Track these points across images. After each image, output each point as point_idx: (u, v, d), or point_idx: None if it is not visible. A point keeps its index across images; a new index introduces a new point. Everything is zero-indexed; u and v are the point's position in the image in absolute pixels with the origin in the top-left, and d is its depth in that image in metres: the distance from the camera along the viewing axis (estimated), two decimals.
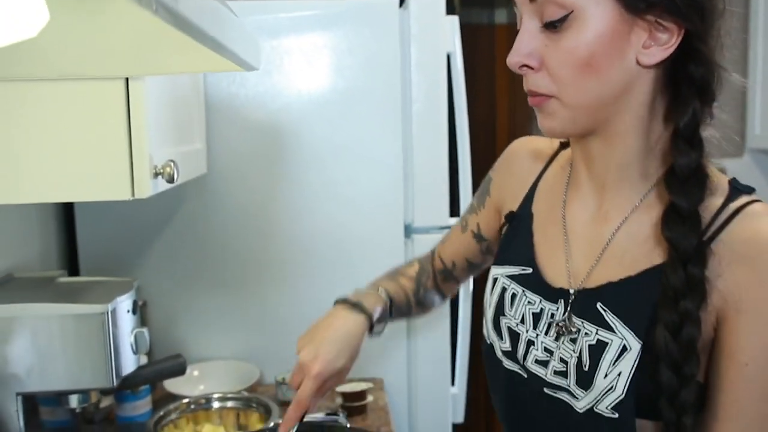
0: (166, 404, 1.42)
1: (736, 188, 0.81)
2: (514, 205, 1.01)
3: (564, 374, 0.84)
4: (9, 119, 0.98)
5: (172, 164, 1.06)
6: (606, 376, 0.80)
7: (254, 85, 1.72)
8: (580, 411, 0.82)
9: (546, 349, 0.87)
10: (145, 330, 1.21)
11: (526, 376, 0.90)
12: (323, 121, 1.75)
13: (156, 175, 1.04)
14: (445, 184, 1.81)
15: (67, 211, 1.77)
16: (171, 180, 1.06)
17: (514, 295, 0.93)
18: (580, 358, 0.83)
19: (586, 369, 0.82)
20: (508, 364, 0.93)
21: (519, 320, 0.91)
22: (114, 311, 1.14)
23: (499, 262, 0.99)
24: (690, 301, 0.75)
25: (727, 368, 0.77)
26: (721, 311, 0.77)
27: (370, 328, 1.07)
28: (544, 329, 0.88)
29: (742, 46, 2.72)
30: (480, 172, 1.12)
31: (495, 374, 0.96)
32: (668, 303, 0.76)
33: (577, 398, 0.83)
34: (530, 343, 0.89)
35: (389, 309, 1.11)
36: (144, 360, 1.30)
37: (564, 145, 0.99)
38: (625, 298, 0.82)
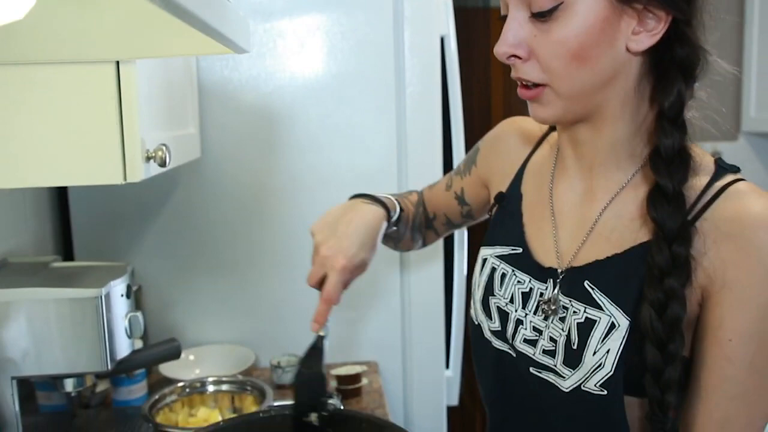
0: (161, 388, 1.43)
1: (722, 167, 0.82)
2: (503, 186, 1.02)
3: (552, 353, 0.85)
4: None
5: (164, 148, 1.06)
6: (594, 353, 0.80)
7: (247, 69, 1.72)
8: (566, 390, 0.83)
9: (535, 329, 0.88)
10: (139, 314, 1.21)
11: (514, 355, 0.91)
12: (317, 105, 1.74)
13: (148, 158, 1.04)
14: (439, 167, 1.81)
15: (61, 197, 1.76)
16: (163, 164, 1.06)
17: (503, 275, 0.94)
18: (568, 336, 0.83)
19: (575, 347, 0.82)
20: (497, 343, 0.94)
21: (508, 300, 0.92)
22: (108, 295, 1.14)
23: (489, 242, 0.99)
24: (675, 280, 0.76)
25: (712, 344, 0.78)
26: (706, 289, 0.78)
27: (387, 224, 1.08)
28: (533, 308, 0.89)
29: (738, 30, 2.71)
30: None
31: (483, 355, 0.97)
32: (653, 281, 0.77)
33: (563, 377, 0.83)
34: (519, 322, 0.90)
35: (398, 216, 1.13)
36: (139, 344, 1.31)
37: (553, 127, 1.00)
38: (612, 275, 0.82)
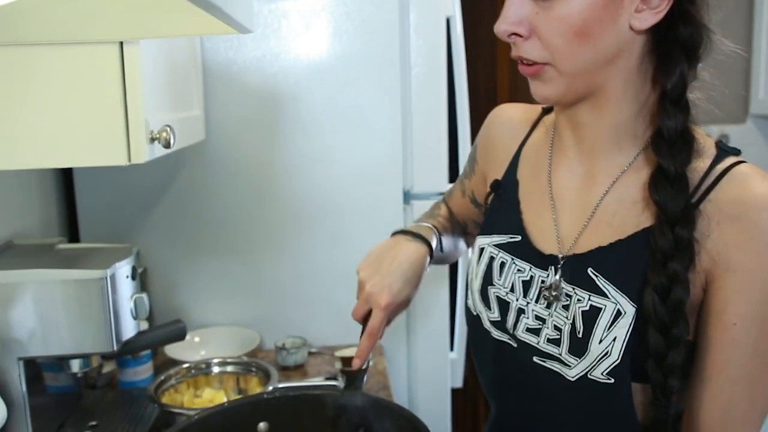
0: (166, 369, 1.44)
1: (723, 150, 0.81)
2: (498, 173, 1.00)
3: (557, 342, 0.84)
4: (3, 85, 0.97)
5: (168, 129, 1.05)
6: (601, 341, 0.80)
7: (252, 50, 1.71)
8: (572, 379, 0.82)
9: (538, 317, 0.87)
10: (144, 295, 1.22)
11: (515, 345, 0.90)
12: (321, 86, 1.74)
13: (152, 140, 1.04)
14: (444, 150, 1.80)
15: (66, 178, 1.77)
16: (167, 145, 1.06)
17: (502, 264, 0.93)
18: (573, 324, 0.83)
19: (580, 335, 0.82)
20: (496, 334, 0.93)
21: (508, 289, 0.91)
22: (113, 277, 1.14)
23: (486, 231, 0.98)
24: (678, 263, 0.75)
25: (716, 328, 0.77)
26: (710, 272, 0.77)
27: (430, 257, 1.07)
28: (535, 297, 0.88)
29: (748, 11, 2.68)
30: None
31: (482, 346, 0.96)
32: (656, 265, 0.76)
33: (569, 366, 0.83)
34: (521, 311, 0.89)
35: (440, 242, 1.11)
36: (144, 326, 1.31)
37: (546, 110, 0.98)
38: (615, 262, 0.82)
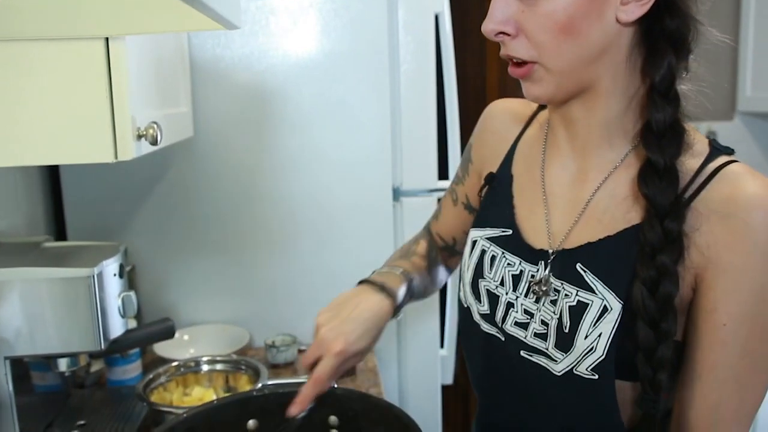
0: (155, 368, 1.43)
1: (716, 148, 0.81)
2: (493, 167, 1.00)
3: (544, 336, 0.85)
4: None
5: (155, 126, 1.05)
6: (586, 337, 0.80)
7: (240, 47, 1.70)
8: (558, 374, 0.83)
9: (526, 311, 0.87)
10: (132, 293, 1.21)
11: (503, 339, 0.90)
12: (310, 83, 1.73)
13: (139, 137, 1.03)
14: (433, 146, 1.80)
15: (53, 176, 1.75)
16: (155, 142, 1.05)
17: (493, 257, 0.93)
18: (560, 319, 0.83)
19: (566, 330, 0.82)
20: (485, 327, 0.93)
21: (498, 282, 0.91)
22: (100, 275, 1.13)
23: (479, 224, 0.98)
24: (667, 256, 0.75)
25: (705, 328, 0.77)
26: (699, 270, 0.77)
27: (394, 311, 1.02)
28: (524, 291, 0.88)
29: (734, 9, 2.69)
30: (469, 134, 1.11)
31: (472, 338, 0.96)
32: (645, 259, 0.76)
33: (555, 361, 0.83)
34: (510, 305, 0.89)
35: (410, 289, 1.07)
36: (133, 324, 1.30)
37: (542, 107, 0.98)
38: (604, 258, 0.82)
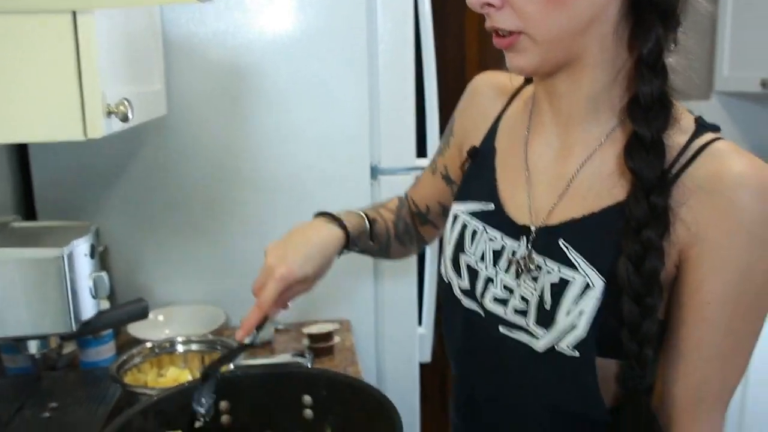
0: (129, 349, 1.41)
1: (702, 125, 0.80)
2: (476, 140, 0.99)
3: (524, 313, 0.84)
4: None
5: (126, 102, 1.02)
6: (568, 314, 0.79)
7: (214, 22, 1.66)
8: (540, 350, 0.82)
9: (506, 287, 0.87)
10: (104, 274, 1.19)
11: (483, 315, 0.89)
12: (286, 60, 1.70)
13: (109, 114, 1.00)
14: (412, 124, 1.78)
15: (21, 154, 1.71)
16: (125, 119, 1.02)
17: (474, 232, 0.92)
18: (541, 296, 0.82)
19: (548, 307, 0.81)
20: (466, 302, 0.92)
21: (479, 257, 0.90)
22: (70, 255, 1.11)
23: (461, 198, 0.97)
24: (652, 231, 0.75)
25: (690, 306, 0.77)
26: (684, 247, 0.77)
27: (346, 244, 1.05)
28: (505, 267, 0.87)
29: None
30: (448, 111, 1.10)
31: (452, 314, 0.96)
32: (631, 234, 0.76)
33: (537, 338, 0.83)
34: (489, 280, 0.89)
35: (369, 232, 1.09)
36: (105, 305, 1.28)
37: (528, 81, 0.97)
38: (587, 235, 0.81)
